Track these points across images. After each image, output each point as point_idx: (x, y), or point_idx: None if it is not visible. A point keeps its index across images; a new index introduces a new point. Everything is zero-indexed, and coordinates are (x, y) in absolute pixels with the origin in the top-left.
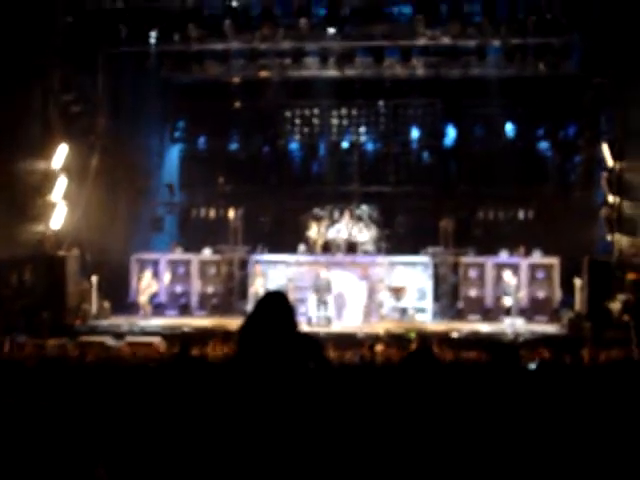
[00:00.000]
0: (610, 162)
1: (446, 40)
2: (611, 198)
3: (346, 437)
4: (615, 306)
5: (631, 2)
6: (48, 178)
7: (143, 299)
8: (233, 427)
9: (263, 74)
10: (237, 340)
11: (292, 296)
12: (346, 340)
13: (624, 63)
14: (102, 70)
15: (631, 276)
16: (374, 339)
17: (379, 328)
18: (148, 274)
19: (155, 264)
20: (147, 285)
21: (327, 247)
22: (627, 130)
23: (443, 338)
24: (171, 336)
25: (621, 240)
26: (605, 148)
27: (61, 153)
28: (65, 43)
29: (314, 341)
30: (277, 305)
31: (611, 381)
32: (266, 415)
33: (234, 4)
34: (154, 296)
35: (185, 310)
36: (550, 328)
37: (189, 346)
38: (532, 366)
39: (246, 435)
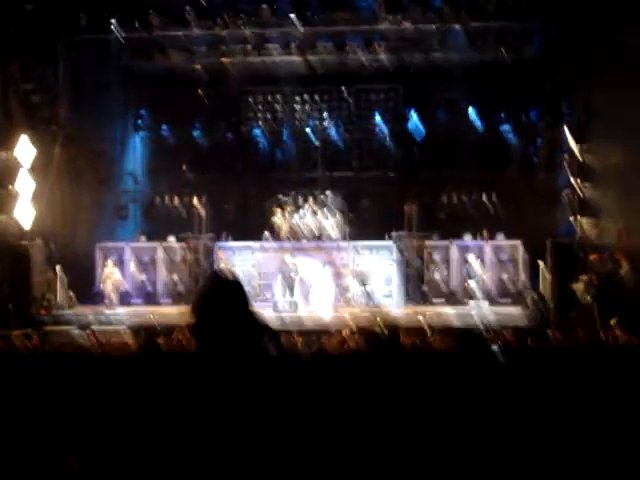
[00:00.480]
0: (572, 145)
1: (408, 25)
2: (573, 181)
3: (312, 428)
4: (578, 287)
5: None
6: (9, 169)
7: (107, 288)
8: (198, 417)
9: (225, 61)
10: (191, 328)
11: (258, 282)
12: (313, 325)
13: (585, 47)
14: (63, 59)
15: (593, 257)
16: (341, 325)
17: (345, 313)
18: (110, 263)
19: (120, 253)
20: (110, 274)
21: (292, 233)
22: (588, 113)
23: (410, 327)
24: (137, 325)
25: (583, 222)
26: (567, 131)
27: (22, 143)
28: (24, 31)
29: (269, 328)
30: (226, 286)
31: (578, 363)
32: (230, 406)
33: None
34: (119, 285)
35: (151, 298)
36: (514, 310)
37: (154, 335)
38: (494, 348)
39: (212, 425)
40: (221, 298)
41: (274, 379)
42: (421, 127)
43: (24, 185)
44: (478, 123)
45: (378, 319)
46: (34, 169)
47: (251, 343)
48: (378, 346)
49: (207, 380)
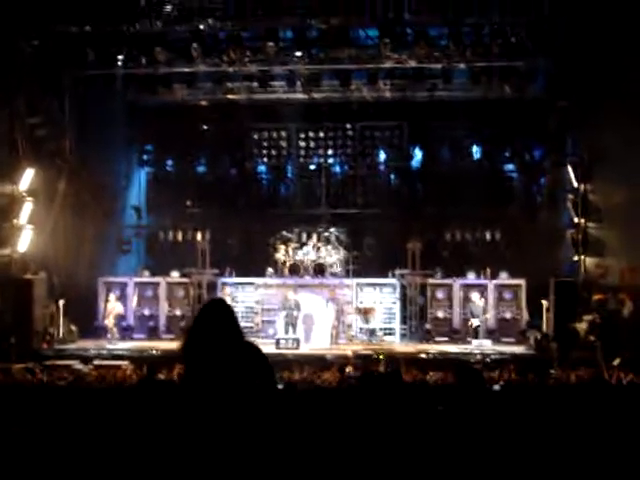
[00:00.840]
0: (575, 184)
1: (412, 63)
2: (577, 220)
3: (306, 459)
4: (581, 327)
5: (594, 28)
6: (15, 202)
7: (109, 322)
8: (192, 448)
9: (230, 97)
10: (182, 357)
11: (260, 318)
12: (315, 362)
13: (589, 86)
14: (69, 93)
15: (597, 297)
16: (343, 361)
17: (347, 350)
18: (113, 297)
19: (122, 287)
20: (112, 308)
21: (295, 269)
22: (592, 153)
23: (410, 359)
24: (138, 359)
25: (587, 262)
26: (570, 170)
27: (27, 176)
28: (31, 66)
29: (264, 360)
30: (217, 313)
31: (580, 401)
32: (217, 436)
33: (201, 27)
34: (121, 319)
35: (153, 333)
36: (517, 349)
37: (156, 370)
38: (496, 387)
39: (203, 455)
40: (209, 317)
41: (264, 409)
42: (425, 164)
43: (28, 218)
44: (482, 161)
45: (381, 356)
46: (39, 202)
47: (238, 370)
48: (377, 380)
49: (194, 408)
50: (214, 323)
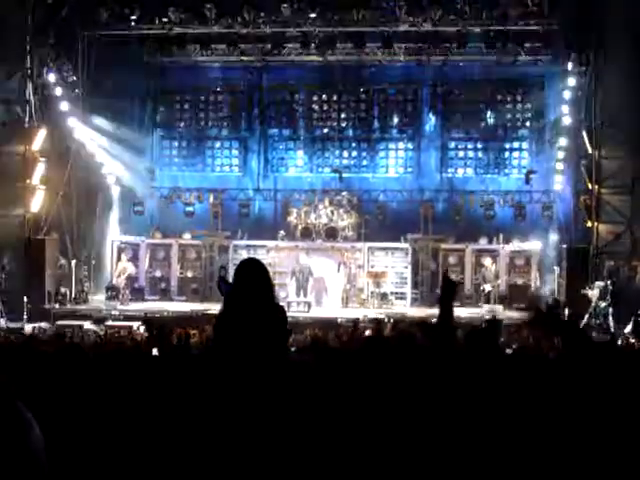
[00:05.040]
0: (590, 150)
1: (427, 26)
2: (590, 186)
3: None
4: (593, 293)
5: None
6: (27, 162)
7: (121, 283)
8: (214, 416)
9: (244, 59)
10: (215, 323)
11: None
12: (326, 325)
13: (604, 50)
14: (82, 53)
15: (609, 264)
16: (355, 323)
17: (358, 313)
18: (124, 257)
19: (134, 248)
20: (122, 269)
21: (307, 233)
22: (605, 119)
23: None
24: (150, 321)
25: (600, 228)
26: (585, 135)
27: (40, 137)
28: (44, 26)
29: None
30: (253, 275)
31: (591, 366)
32: (244, 406)
33: None
34: (132, 280)
35: (165, 295)
36: (528, 315)
37: (168, 332)
38: (508, 351)
39: (227, 424)
40: (247, 277)
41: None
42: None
43: (40, 179)
44: (496, 126)
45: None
46: (51, 163)
47: (267, 337)
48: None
49: (221, 380)
50: (252, 283)
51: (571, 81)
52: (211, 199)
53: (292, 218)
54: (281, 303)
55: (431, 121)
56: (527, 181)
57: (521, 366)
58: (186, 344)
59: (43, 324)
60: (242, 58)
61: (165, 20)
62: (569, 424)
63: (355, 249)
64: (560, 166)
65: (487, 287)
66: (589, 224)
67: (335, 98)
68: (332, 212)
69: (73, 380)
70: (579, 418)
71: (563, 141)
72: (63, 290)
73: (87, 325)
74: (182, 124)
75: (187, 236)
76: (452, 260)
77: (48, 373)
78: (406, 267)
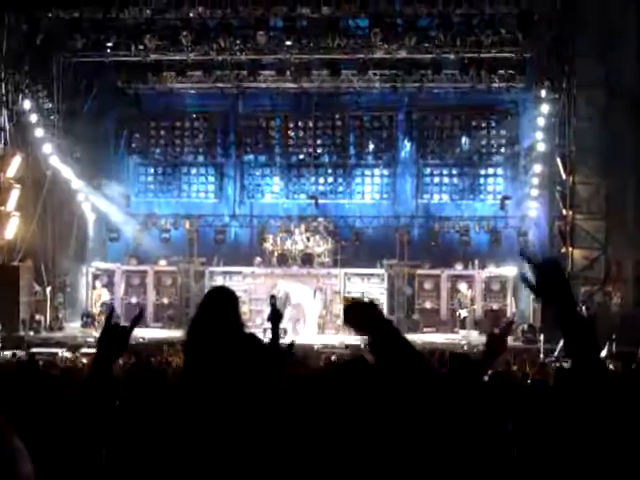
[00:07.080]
0: (563, 176)
1: (402, 53)
2: (564, 211)
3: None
4: None
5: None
6: (2, 188)
7: (96, 310)
8: (187, 438)
9: (220, 85)
10: (183, 347)
11: (248, 308)
12: (302, 352)
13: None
14: (57, 80)
15: (584, 289)
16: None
17: (335, 340)
18: (100, 285)
19: (110, 275)
20: (98, 295)
21: (283, 259)
22: (578, 145)
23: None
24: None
25: (574, 253)
26: (559, 161)
27: (15, 163)
28: (19, 52)
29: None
30: (220, 302)
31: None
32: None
33: (191, 15)
34: (107, 307)
35: (140, 321)
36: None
37: (144, 357)
38: (485, 378)
39: (200, 446)
40: (213, 304)
41: (265, 402)
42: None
43: (15, 205)
44: (470, 152)
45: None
46: (26, 189)
47: (238, 355)
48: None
49: (193, 399)
50: (218, 312)
51: (545, 108)
52: (187, 225)
53: (268, 244)
54: (256, 330)
55: (406, 147)
56: (502, 207)
57: (500, 392)
58: (161, 374)
59: (17, 352)
60: (218, 85)
61: (141, 47)
62: (560, 451)
63: (331, 275)
64: (535, 192)
65: (463, 312)
66: (564, 249)
67: (311, 125)
68: (308, 238)
69: (40, 407)
70: (568, 444)
71: (538, 167)
72: (38, 317)
73: (62, 353)
74: (157, 150)
75: (163, 262)
76: (428, 286)
77: (17, 399)
78: (382, 293)
